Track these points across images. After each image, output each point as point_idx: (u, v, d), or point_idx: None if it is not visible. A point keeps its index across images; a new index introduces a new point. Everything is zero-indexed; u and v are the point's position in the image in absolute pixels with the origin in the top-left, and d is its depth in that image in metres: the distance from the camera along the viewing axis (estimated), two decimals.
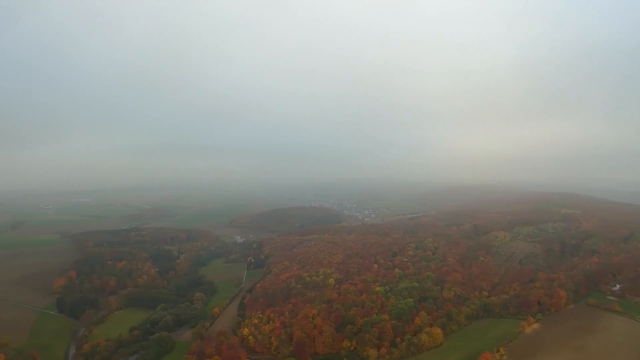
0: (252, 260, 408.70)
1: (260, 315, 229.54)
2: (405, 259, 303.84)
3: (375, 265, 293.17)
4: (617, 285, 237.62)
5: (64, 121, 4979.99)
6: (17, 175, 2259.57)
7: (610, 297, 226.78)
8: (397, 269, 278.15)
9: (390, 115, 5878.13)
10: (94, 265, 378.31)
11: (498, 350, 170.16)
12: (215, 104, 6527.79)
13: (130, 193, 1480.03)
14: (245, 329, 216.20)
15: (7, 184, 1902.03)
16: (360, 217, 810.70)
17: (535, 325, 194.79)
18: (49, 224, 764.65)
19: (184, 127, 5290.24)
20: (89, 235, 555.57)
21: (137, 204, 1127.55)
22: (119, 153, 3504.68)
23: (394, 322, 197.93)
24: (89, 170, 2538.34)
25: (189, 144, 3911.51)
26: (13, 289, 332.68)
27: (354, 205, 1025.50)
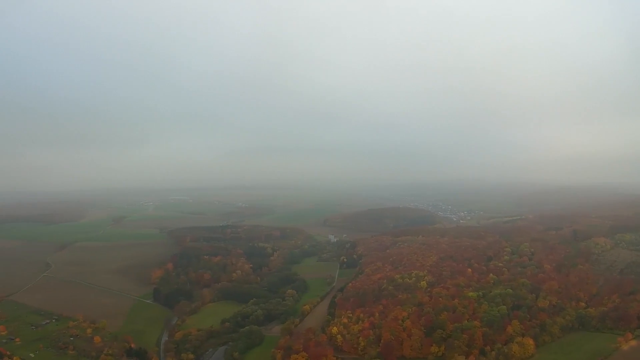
0: (345, 259, 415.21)
1: (350, 315, 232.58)
2: (500, 264, 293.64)
3: (469, 270, 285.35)
4: None
5: (167, 124, 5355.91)
6: (120, 173, 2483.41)
7: None
8: (491, 274, 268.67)
9: (489, 113, 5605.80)
10: (191, 259, 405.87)
11: None
12: (311, 106, 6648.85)
13: (227, 192, 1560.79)
14: (334, 328, 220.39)
15: (111, 181, 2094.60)
16: (455, 219, 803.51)
17: (633, 342, 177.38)
18: (148, 219, 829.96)
19: (281, 129, 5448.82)
20: (186, 230, 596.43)
21: (234, 202, 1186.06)
22: (219, 154, 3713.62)
23: (484, 330, 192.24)
24: (189, 170, 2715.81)
25: (286, 146, 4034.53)
26: (114, 277, 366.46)
27: (449, 206, 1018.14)
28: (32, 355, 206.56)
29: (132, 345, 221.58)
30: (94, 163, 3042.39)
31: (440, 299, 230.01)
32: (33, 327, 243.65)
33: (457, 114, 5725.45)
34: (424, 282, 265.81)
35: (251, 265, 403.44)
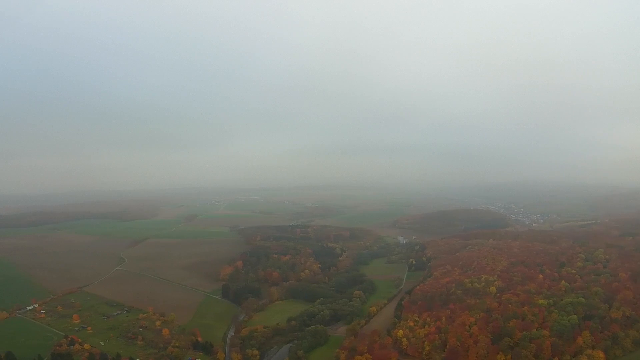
0: (414, 262, 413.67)
1: (417, 318, 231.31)
2: (573, 271, 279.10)
3: (541, 276, 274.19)
4: None
5: (240, 125, 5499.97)
6: (194, 173, 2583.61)
7: None
8: (563, 281, 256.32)
9: (567, 109, 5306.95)
10: (260, 257, 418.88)
11: None
12: (381, 108, 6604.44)
13: (298, 191, 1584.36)
14: (400, 331, 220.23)
15: (185, 181, 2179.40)
16: (527, 222, 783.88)
17: None
18: (219, 218, 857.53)
19: (352, 130, 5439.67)
20: (256, 229, 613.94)
21: (303, 202, 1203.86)
22: (289, 153, 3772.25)
23: (553, 340, 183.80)
24: (260, 170, 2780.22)
25: (356, 146, 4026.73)
26: (185, 273, 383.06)
27: (522, 209, 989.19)
28: (102, 343, 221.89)
29: (199, 339, 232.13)
30: (168, 164, 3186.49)
31: (510, 305, 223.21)
32: (105, 317, 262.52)
33: (532, 111, 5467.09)
34: (494, 287, 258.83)
35: (320, 265, 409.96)
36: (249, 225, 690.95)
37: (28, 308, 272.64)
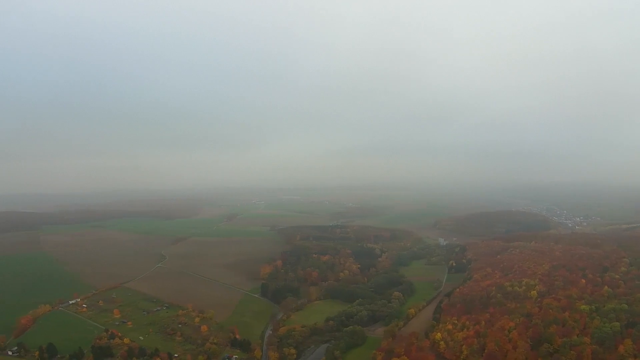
0: (454, 264, 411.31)
1: (456, 321, 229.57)
2: (616, 276, 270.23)
3: (583, 280, 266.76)
4: None
5: (281, 124, 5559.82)
6: (235, 173, 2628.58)
7: None
8: (606, 287, 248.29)
9: (619, 102, 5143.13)
10: (300, 256, 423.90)
11: None
12: (423, 107, 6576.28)
13: (337, 192, 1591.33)
14: (438, 334, 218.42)
15: (226, 181, 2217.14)
16: (570, 225, 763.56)
17: None
18: (260, 217, 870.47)
19: (392, 129, 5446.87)
20: (296, 229, 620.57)
21: (343, 202, 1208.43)
22: (329, 154, 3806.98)
23: (594, 347, 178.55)
24: (301, 170, 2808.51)
25: (397, 146, 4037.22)
26: (225, 271, 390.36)
27: (564, 211, 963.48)
28: (141, 338, 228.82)
29: (237, 336, 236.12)
30: (210, 164, 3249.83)
31: (550, 310, 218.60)
32: (145, 313, 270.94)
33: (584, 104, 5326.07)
34: (535, 291, 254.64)
35: (359, 265, 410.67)
36: (288, 224, 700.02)
37: (70, 302, 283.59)
